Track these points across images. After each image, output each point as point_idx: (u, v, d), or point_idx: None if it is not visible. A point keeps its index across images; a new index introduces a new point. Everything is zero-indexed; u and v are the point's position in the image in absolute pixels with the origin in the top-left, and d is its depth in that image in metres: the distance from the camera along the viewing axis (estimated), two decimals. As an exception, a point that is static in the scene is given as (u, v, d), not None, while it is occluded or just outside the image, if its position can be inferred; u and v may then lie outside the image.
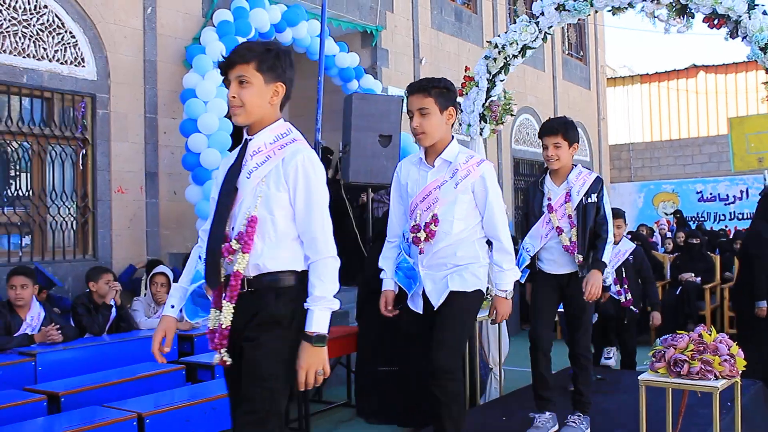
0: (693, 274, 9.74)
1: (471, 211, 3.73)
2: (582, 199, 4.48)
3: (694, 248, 10.20)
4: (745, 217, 17.08)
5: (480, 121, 6.62)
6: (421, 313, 3.82)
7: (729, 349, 3.23)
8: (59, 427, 4.01)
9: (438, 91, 3.68)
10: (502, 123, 6.76)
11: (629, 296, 6.42)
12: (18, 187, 7.24)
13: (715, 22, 5.62)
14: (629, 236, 10.60)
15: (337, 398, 6.91)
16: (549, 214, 4.53)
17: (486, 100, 6.62)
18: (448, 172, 3.72)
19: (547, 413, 4.50)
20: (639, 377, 3.44)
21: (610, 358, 6.46)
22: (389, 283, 3.92)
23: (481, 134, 6.64)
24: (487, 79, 6.61)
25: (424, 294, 3.80)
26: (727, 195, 17.64)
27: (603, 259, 4.42)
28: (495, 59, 6.57)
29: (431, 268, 3.76)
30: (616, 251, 6.16)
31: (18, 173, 7.29)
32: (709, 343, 3.25)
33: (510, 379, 6.67)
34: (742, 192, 17.46)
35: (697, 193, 17.95)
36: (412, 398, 5.67)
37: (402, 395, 5.69)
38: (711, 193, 17.83)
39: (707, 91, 20.58)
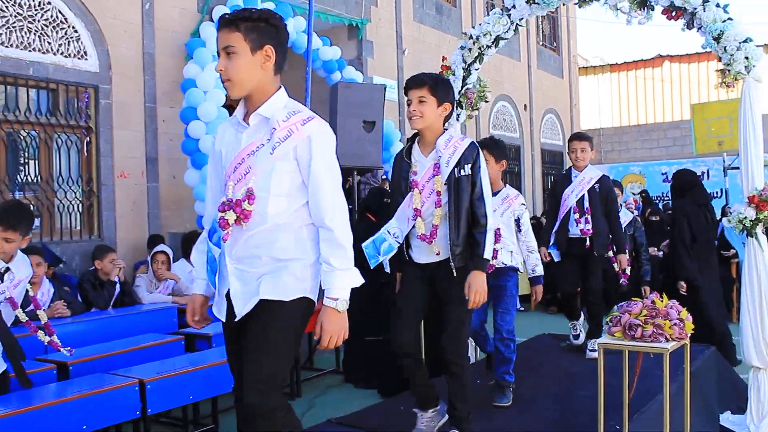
0: (656, 249, 9.85)
1: (296, 186, 2.65)
2: (453, 171, 3.49)
3: (654, 224, 10.31)
4: (706, 196, 17.19)
5: (456, 107, 6.65)
6: (224, 321, 2.79)
7: (678, 314, 3.31)
8: (69, 392, 4.06)
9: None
10: (478, 109, 6.78)
11: (589, 226, 5.45)
12: (27, 173, 7.26)
13: (673, 13, 5.65)
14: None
15: (327, 365, 7.00)
16: (412, 191, 3.57)
17: (462, 88, 6.65)
18: (266, 134, 2.64)
19: (430, 411, 3.81)
20: (597, 341, 3.52)
21: (578, 335, 5.83)
22: (198, 285, 2.90)
23: (458, 119, 6.67)
24: (463, 68, 6.63)
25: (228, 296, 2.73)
26: (690, 176, 17.75)
27: (484, 255, 3.45)
28: (470, 49, 6.58)
29: (241, 261, 2.68)
30: (580, 179, 5.55)
31: (27, 160, 7.29)
32: (660, 308, 3.32)
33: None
34: (703, 173, 17.49)
35: (663, 174, 18.01)
36: (393, 367, 5.74)
37: (385, 364, 5.76)
38: (675, 174, 17.94)
39: (672, 79, 20.66)
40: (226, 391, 4.62)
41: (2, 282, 4.06)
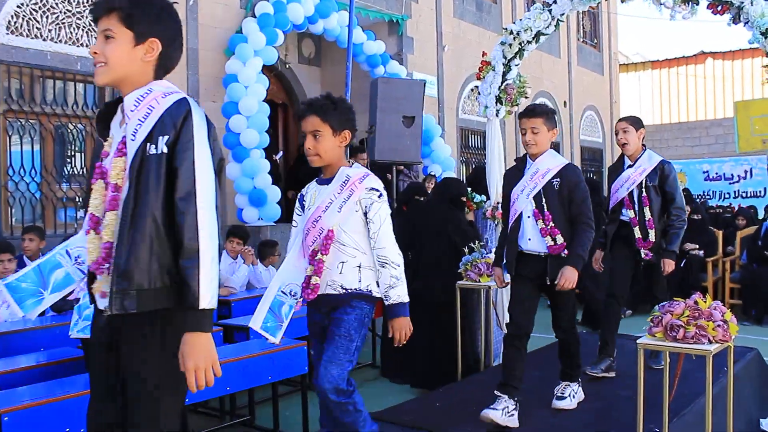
0: (697, 246, 9.63)
1: None
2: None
3: (696, 223, 10.06)
4: (748, 195, 16.79)
5: (496, 103, 6.55)
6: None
7: (722, 316, 3.19)
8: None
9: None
10: (517, 105, 6.68)
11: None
12: (74, 166, 7.34)
13: (719, 8, 5.50)
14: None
15: (363, 359, 6.95)
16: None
17: (502, 84, 6.55)
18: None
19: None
20: (637, 341, 3.41)
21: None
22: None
23: (497, 115, 6.57)
24: (503, 64, 6.53)
25: None
26: (732, 174, 17.33)
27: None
28: (510, 45, 6.49)
29: None
30: (533, 171, 4.07)
31: (73, 153, 7.38)
32: (703, 309, 3.20)
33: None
34: (746, 172, 17.14)
35: (704, 172, 17.65)
36: (428, 363, 5.68)
37: (420, 359, 5.71)
38: (717, 173, 17.52)
39: (714, 76, 20.18)
40: (264, 383, 4.63)
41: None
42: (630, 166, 5.00)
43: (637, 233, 4.92)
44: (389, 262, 3.19)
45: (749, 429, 4.62)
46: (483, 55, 6.75)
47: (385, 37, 10.38)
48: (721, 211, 13.30)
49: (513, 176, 4.22)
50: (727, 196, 17.18)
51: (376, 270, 3.24)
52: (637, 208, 4.92)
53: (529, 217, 4.05)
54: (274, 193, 7.80)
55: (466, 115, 12.31)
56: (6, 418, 3.44)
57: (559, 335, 4.27)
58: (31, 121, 6.91)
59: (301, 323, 5.76)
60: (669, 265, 4.92)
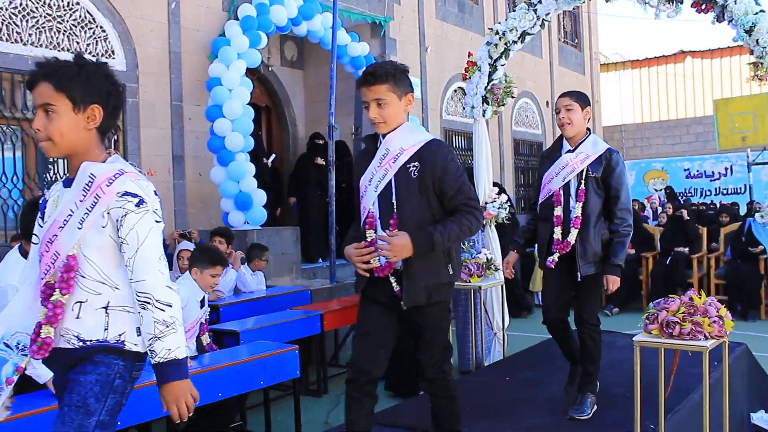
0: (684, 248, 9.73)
1: None
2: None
3: (680, 220, 10.14)
4: (729, 192, 16.97)
5: (482, 103, 6.55)
6: None
7: (717, 312, 3.20)
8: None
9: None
10: (503, 104, 6.69)
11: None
12: (56, 171, 7.24)
13: (703, 6, 5.53)
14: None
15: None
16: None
17: (488, 84, 6.55)
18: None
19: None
20: (633, 338, 3.41)
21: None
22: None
23: (483, 115, 6.57)
24: (489, 64, 6.53)
25: None
26: (713, 172, 17.51)
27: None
28: (496, 45, 6.49)
29: None
30: (384, 151, 3.32)
31: (55, 159, 7.28)
32: (699, 305, 3.21)
33: (511, 344, 6.66)
34: (726, 169, 17.32)
35: (685, 170, 17.81)
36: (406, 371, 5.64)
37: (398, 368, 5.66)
38: (698, 170, 17.69)
39: (694, 74, 20.34)
40: (255, 388, 4.57)
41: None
42: (570, 151, 4.16)
43: (557, 233, 4.10)
44: (153, 302, 2.22)
45: (740, 423, 4.64)
46: (469, 56, 6.75)
47: (368, 38, 10.35)
48: (704, 208, 13.42)
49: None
50: (708, 193, 17.35)
51: (137, 312, 2.28)
52: (572, 205, 4.08)
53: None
54: (260, 196, 7.75)
55: (449, 116, 12.32)
56: None
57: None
58: (12, 126, 6.82)
59: (293, 326, 5.75)
60: (614, 283, 4.00)
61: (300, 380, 4.98)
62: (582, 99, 4.20)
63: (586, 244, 4.00)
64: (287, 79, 10.42)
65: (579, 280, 4.02)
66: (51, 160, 7.23)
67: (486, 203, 6.20)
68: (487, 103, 6.58)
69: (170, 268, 6.94)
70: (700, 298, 3.27)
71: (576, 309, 4.15)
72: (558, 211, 4.11)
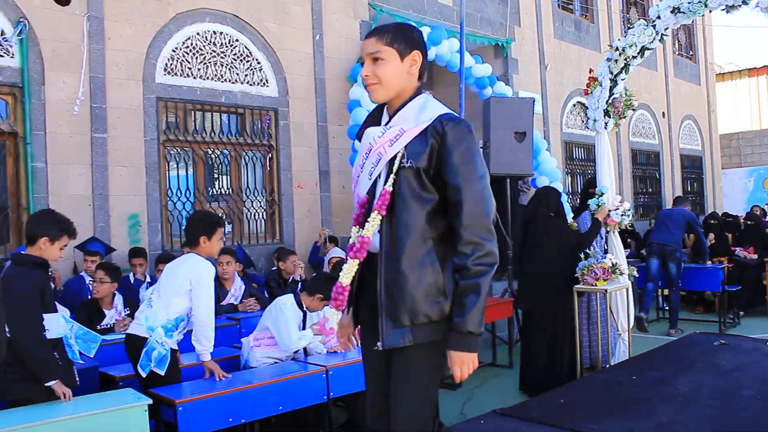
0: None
1: None
2: None
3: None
4: None
5: (604, 116, 6.42)
6: None
7: None
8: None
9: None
10: (624, 117, 6.53)
11: None
12: (220, 186, 7.71)
13: (828, 15, 5.19)
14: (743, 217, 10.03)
15: (483, 359, 6.93)
16: None
17: (609, 98, 6.42)
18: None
19: None
20: (767, 343, 3.26)
21: None
22: None
23: (605, 128, 6.44)
24: (610, 79, 6.40)
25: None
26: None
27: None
28: (616, 61, 6.35)
29: None
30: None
31: (219, 175, 7.75)
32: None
33: (637, 344, 6.47)
34: None
35: (805, 176, 16.67)
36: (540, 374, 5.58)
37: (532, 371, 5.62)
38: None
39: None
40: (273, 413, 4.16)
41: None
42: (386, 124, 2.45)
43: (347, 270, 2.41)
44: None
45: None
46: (589, 72, 6.63)
47: (492, 59, 10.36)
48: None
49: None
50: (832, 198, 16.12)
51: None
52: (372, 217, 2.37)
53: None
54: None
55: (569, 129, 12.10)
56: (180, 408, 3.69)
57: None
58: (185, 148, 7.32)
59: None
60: (462, 364, 2.24)
61: (328, 404, 4.42)
62: (401, 38, 2.35)
63: (392, 289, 2.23)
64: (417, 99, 10.56)
65: (381, 349, 2.25)
66: (215, 175, 7.70)
67: (610, 211, 6.06)
68: (609, 116, 6.44)
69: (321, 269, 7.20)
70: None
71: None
72: (355, 230, 2.47)
